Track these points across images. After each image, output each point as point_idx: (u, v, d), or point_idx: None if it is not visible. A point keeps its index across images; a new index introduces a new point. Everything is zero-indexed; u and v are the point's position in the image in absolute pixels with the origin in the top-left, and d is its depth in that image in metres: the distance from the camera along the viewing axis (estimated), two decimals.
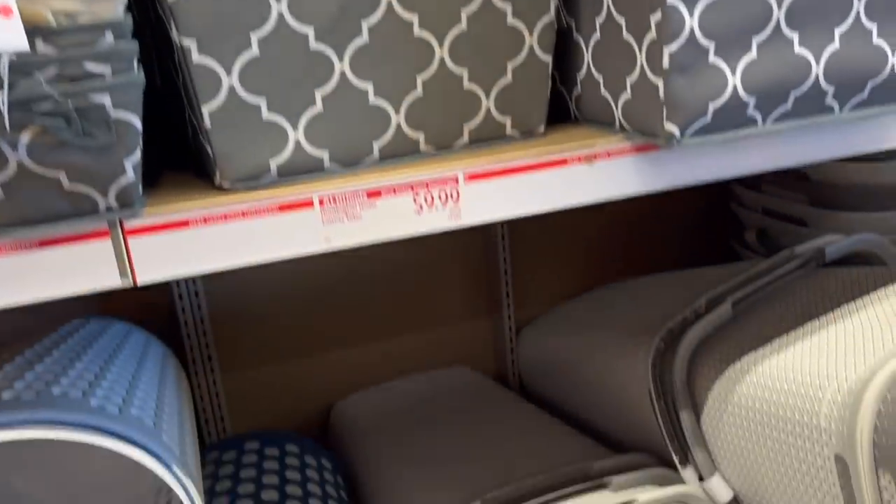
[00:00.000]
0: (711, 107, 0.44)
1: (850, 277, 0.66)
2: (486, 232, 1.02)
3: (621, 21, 0.47)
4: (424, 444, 0.81)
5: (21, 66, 0.33)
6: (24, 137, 0.35)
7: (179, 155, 0.54)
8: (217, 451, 0.76)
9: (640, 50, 0.45)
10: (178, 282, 0.85)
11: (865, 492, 0.47)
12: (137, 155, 0.38)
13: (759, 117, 0.47)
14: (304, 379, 0.98)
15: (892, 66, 0.49)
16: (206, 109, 0.41)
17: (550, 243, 1.06)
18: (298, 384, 0.98)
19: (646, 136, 0.44)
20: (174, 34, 0.40)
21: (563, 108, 0.57)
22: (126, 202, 0.38)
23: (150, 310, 0.86)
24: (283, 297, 0.94)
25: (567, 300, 1.04)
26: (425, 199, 0.43)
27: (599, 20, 0.49)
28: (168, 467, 0.47)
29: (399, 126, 0.45)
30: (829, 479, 0.51)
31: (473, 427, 0.84)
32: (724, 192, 1.04)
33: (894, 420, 0.46)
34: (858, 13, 0.46)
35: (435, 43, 0.44)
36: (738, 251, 0.99)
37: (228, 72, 0.41)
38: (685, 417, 0.64)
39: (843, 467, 0.49)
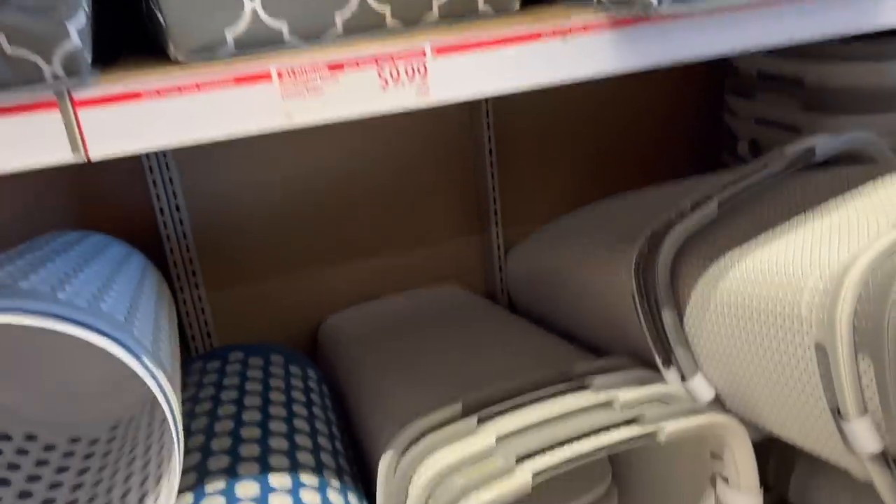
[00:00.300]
0: None
1: (841, 175, 0.65)
2: (474, 149, 1.00)
3: None
4: (410, 354, 0.80)
5: None
6: None
7: (138, 39, 0.52)
8: (201, 362, 0.76)
9: None
10: (157, 195, 0.84)
11: (844, 378, 0.47)
12: (82, 18, 0.36)
13: None
14: (292, 296, 0.98)
15: None
16: None
17: (540, 160, 1.04)
18: (286, 301, 0.98)
19: (621, 5, 0.42)
20: None
21: None
22: (73, 70, 0.36)
23: (131, 225, 0.85)
24: (269, 212, 0.93)
25: (557, 218, 1.03)
26: (391, 74, 0.41)
27: None
28: (137, 357, 0.46)
29: None
30: (808, 370, 0.51)
31: (460, 339, 0.83)
32: (716, 104, 1.02)
33: (875, 303, 0.45)
34: None
35: None
36: (730, 165, 0.98)
37: None
38: (667, 317, 0.63)
39: (823, 355, 0.48)
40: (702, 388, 0.63)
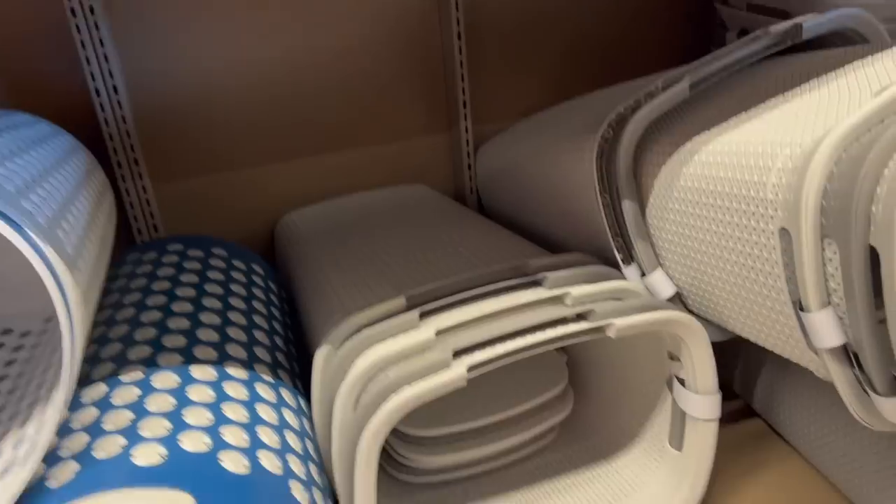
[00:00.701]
0: None
1: (828, 56, 0.59)
2: (444, 43, 0.93)
3: None
4: (365, 250, 0.76)
5: None
6: None
7: None
8: (137, 253, 0.72)
9: None
10: (93, 74, 0.77)
11: (807, 266, 0.42)
12: None
13: None
14: (250, 192, 0.93)
15: None
16: None
17: (512, 54, 0.97)
18: (243, 197, 0.93)
19: None
20: None
21: None
22: None
23: (63, 105, 0.79)
24: (222, 100, 0.86)
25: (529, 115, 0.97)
26: None
27: None
28: (19, 229, 0.41)
29: None
30: (771, 259, 0.46)
31: (419, 237, 0.79)
32: None
33: (845, 182, 0.39)
34: None
35: None
36: None
37: None
38: (627, 207, 0.58)
39: (787, 241, 0.44)
40: (662, 285, 0.59)
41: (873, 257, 0.38)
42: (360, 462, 0.48)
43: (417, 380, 0.49)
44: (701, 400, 0.58)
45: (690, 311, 0.60)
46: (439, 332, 0.54)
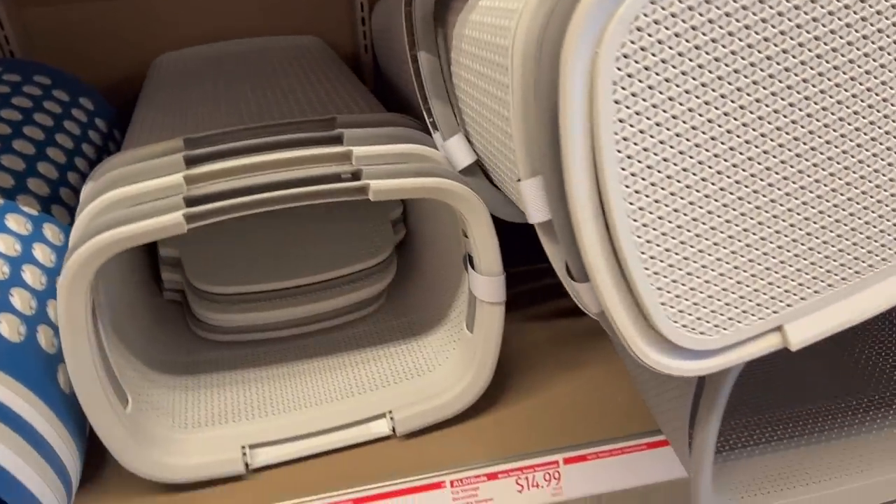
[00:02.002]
0: None
1: None
2: None
3: None
4: (205, 95, 0.70)
5: None
6: None
7: None
8: None
9: None
10: None
11: (516, 129, 0.36)
12: None
13: None
14: (129, 26, 0.87)
15: None
16: None
17: None
18: (122, 31, 0.87)
19: None
20: None
21: None
22: None
23: None
24: None
25: None
26: None
27: None
28: None
29: None
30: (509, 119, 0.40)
31: (269, 87, 0.72)
32: None
33: (553, 45, 0.33)
34: None
35: None
36: None
37: None
38: (424, 61, 0.52)
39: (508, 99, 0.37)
40: (458, 152, 0.53)
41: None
42: (62, 296, 0.44)
43: (130, 223, 0.45)
44: (484, 281, 0.53)
45: (495, 186, 0.54)
46: (189, 179, 0.49)
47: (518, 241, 0.57)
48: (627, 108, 0.31)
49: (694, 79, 0.31)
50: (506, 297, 0.55)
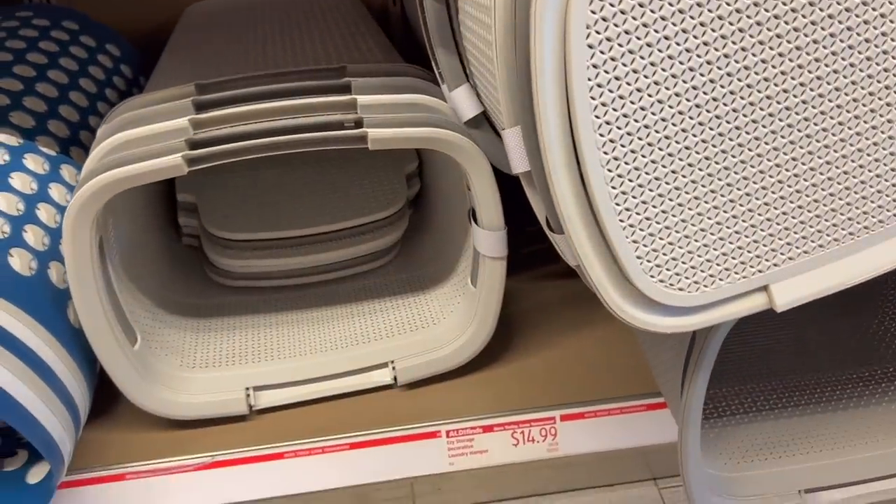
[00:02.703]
0: None
1: None
2: None
3: None
4: (229, 43, 0.71)
5: None
6: None
7: None
8: None
9: None
10: None
11: (500, 78, 0.35)
12: None
13: None
14: None
15: None
16: None
17: None
18: None
19: None
20: None
21: None
22: None
23: None
24: None
25: None
26: None
27: None
28: None
29: None
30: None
31: (295, 35, 0.73)
32: None
33: None
34: None
35: None
36: None
37: None
38: (429, 9, 0.51)
39: None
40: (464, 103, 0.52)
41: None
42: (67, 230, 0.46)
43: (133, 163, 0.46)
44: (485, 235, 0.53)
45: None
46: (195, 123, 0.50)
47: None
48: (602, 53, 0.30)
49: (674, 24, 0.30)
50: (510, 254, 0.54)
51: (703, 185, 0.33)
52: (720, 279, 0.35)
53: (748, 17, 0.31)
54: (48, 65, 0.63)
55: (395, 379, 0.58)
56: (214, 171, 0.54)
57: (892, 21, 0.32)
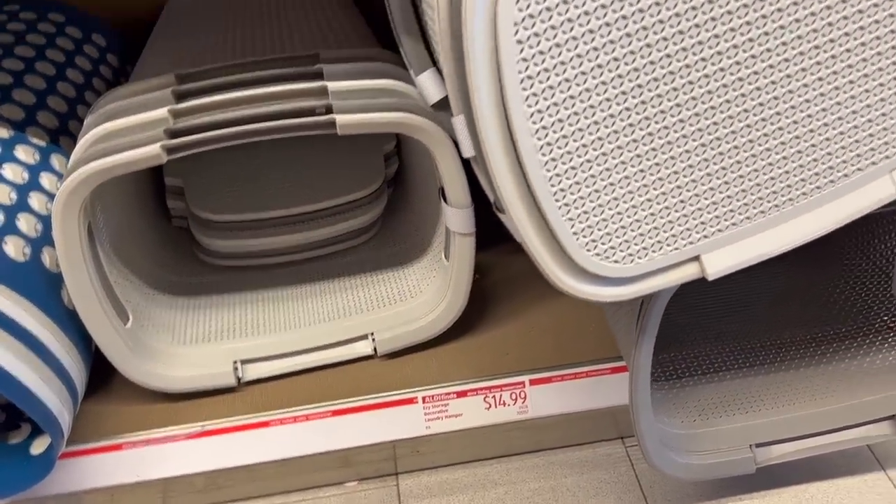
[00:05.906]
0: None
1: None
2: None
3: None
4: (211, 33, 0.73)
5: None
6: None
7: None
8: None
9: None
10: None
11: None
12: None
13: None
14: None
15: None
16: None
17: None
18: None
19: None
20: None
21: None
22: None
23: None
24: None
25: None
26: None
27: None
28: None
29: None
30: None
31: (273, 26, 0.75)
32: None
33: None
34: None
35: None
36: None
37: None
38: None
39: None
40: (430, 88, 0.54)
41: None
42: (56, 220, 0.49)
43: (115, 154, 0.49)
44: (454, 213, 0.56)
45: None
46: (176, 113, 0.53)
47: None
48: (531, 47, 0.33)
49: (598, 18, 0.33)
50: (482, 229, 0.57)
51: (632, 165, 0.36)
52: (653, 251, 0.38)
53: (667, 9, 0.33)
54: (36, 57, 0.66)
55: (375, 350, 0.61)
56: (199, 155, 0.56)
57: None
